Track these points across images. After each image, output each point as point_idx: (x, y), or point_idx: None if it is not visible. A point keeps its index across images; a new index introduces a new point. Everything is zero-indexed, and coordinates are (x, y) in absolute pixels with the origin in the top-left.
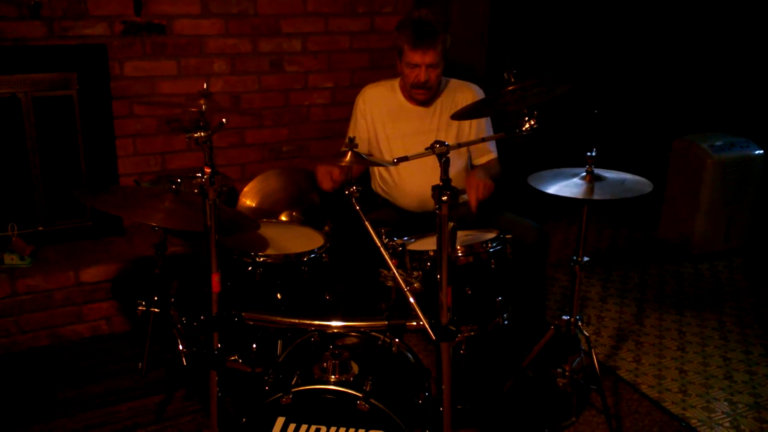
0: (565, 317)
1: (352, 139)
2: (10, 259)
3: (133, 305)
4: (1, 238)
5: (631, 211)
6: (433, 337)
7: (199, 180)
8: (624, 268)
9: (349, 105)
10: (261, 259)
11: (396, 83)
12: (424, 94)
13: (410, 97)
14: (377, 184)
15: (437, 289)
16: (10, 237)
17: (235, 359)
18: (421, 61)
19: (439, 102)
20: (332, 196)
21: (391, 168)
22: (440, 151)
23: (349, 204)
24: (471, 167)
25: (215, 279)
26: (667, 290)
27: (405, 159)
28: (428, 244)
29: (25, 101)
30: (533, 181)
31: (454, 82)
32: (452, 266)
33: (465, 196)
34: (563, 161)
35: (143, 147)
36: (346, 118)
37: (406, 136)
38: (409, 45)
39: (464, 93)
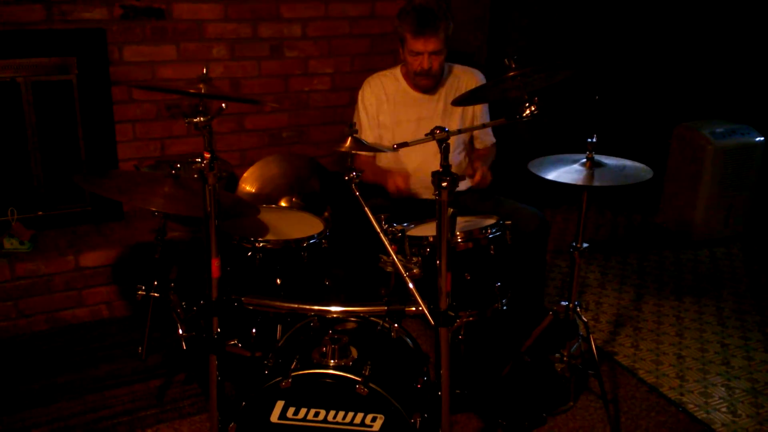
0: (563, 303)
1: (352, 125)
2: (10, 244)
3: (132, 290)
4: (0, 223)
5: (631, 197)
6: (432, 323)
7: (198, 165)
8: (623, 255)
9: (349, 91)
10: (261, 245)
11: (398, 71)
12: (427, 81)
13: (414, 85)
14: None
15: (436, 275)
16: (10, 222)
17: (235, 344)
18: (423, 48)
19: (443, 88)
20: (332, 182)
21: (392, 154)
22: (440, 137)
23: (348, 190)
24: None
25: (215, 264)
26: (665, 276)
27: (405, 145)
28: (427, 230)
29: (24, 86)
30: (533, 167)
31: (457, 68)
32: (451, 252)
33: (465, 182)
34: (564, 147)
35: (143, 132)
36: (347, 104)
37: (412, 123)
38: (411, 33)
39: (467, 79)
